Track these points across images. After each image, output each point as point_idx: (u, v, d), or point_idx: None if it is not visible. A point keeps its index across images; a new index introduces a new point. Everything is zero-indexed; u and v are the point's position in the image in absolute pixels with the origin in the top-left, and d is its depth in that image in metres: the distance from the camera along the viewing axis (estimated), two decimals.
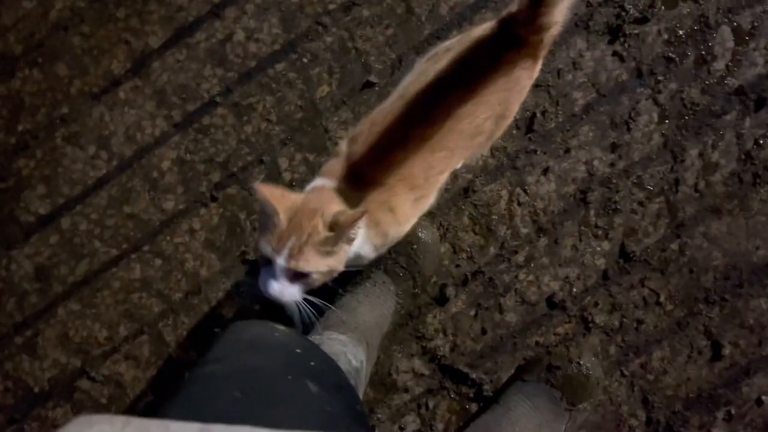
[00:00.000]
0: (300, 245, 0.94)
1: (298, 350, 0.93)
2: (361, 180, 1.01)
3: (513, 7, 0.94)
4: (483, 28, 0.99)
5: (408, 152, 0.99)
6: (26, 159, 1.51)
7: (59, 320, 1.49)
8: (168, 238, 1.47)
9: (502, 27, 0.96)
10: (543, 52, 1.00)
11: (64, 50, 1.51)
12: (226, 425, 0.59)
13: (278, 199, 0.96)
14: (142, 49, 1.49)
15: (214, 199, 1.46)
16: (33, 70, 1.52)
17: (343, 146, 1.05)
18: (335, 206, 0.98)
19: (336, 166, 1.03)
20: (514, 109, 1.04)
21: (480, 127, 1.00)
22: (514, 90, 1.00)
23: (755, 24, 1.38)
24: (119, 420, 0.61)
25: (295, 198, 0.99)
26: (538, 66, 1.02)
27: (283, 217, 0.95)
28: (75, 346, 1.49)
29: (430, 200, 1.14)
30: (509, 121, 1.07)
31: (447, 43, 1.04)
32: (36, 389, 1.49)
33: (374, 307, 1.32)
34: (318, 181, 1.04)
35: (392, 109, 1.00)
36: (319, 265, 0.97)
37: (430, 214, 1.42)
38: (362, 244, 1.04)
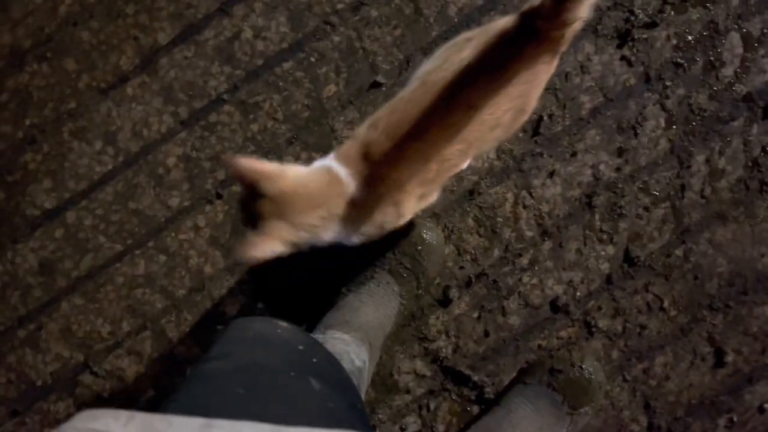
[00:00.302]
0: (257, 231, 0.93)
1: (300, 347, 0.93)
2: (373, 171, 0.99)
3: (535, 1, 0.93)
4: (505, 20, 0.97)
5: (425, 144, 0.98)
6: (33, 153, 1.51)
7: (63, 314, 1.49)
8: (172, 234, 1.48)
9: (523, 20, 0.95)
10: (563, 48, 0.99)
11: (73, 45, 1.52)
12: (228, 421, 0.60)
13: (260, 179, 0.94)
14: (151, 45, 1.50)
15: (219, 196, 1.47)
16: (41, 64, 1.52)
17: (362, 130, 1.03)
18: (310, 217, 0.95)
19: (351, 150, 1.01)
20: (532, 104, 1.03)
21: (500, 119, 0.99)
22: (533, 83, 0.99)
23: (764, 31, 1.37)
24: (123, 414, 0.61)
25: (284, 177, 0.96)
26: (557, 61, 1.01)
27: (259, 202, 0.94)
28: (78, 340, 1.49)
29: (435, 196, 1.13)
30: (527, 116, 1.05)
31: (468, 33, 1.02)
32: (38, 383, 1.50)
33: (378, 307, 1.32)
34: (328, 162, 1.01)
35: (412, 98, 0.98)
36: (272, 252, 0.95)
37: (434, 216, 1.42)
38: (347, 237, 1.03)
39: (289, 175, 0.96)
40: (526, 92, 0.99)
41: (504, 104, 0.97)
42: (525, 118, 1.06)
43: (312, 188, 0.97)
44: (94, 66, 1.51)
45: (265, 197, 0.93)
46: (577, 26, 0.92)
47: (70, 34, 1.52)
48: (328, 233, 1.00)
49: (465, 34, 1.03)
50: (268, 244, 0.92)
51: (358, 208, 0.99)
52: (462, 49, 0.98)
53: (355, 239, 1.06)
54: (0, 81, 1.53)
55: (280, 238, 0.93)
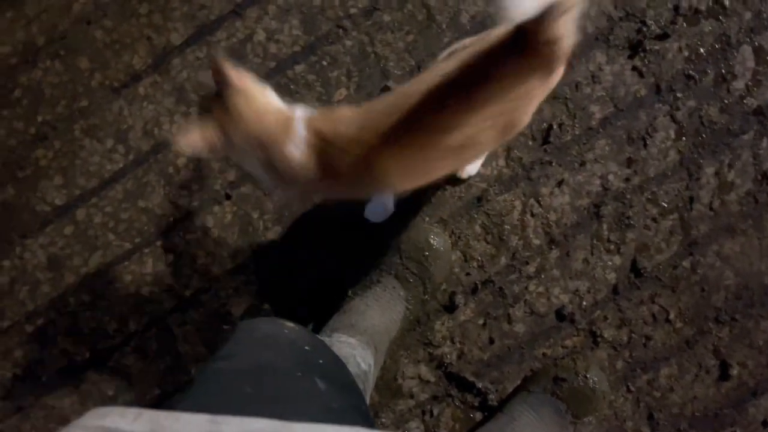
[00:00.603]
0: (198, 123, 0.92)
1: (306, 347, 0.93)
2: (330, 160, 0.96)
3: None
4: (501, 30, 0.92)
5: (386, 160, 0.94)
6: (44, 150, 1.52)
7: (70, 310, 1.50)
8: (181, 234, 1.48)
9: (517, 33, 0.89)
10: (557, 64, 0.93)
11: (86, 43, 1.53)
12: (235, 417, 0.60)
13: (230, 88, 0.93)
14: (164, 45, 1.51)
15: (228, 197, 1.47)
16: (54, 61, 1.53)
17: (347, 114, 0.98)
18: (244, 143, 0.94)
19: (329, 129, 0.96)
20: (525, 119, 0.98)
21: (476, 138, 0.94)
22: (524, 100, 0.94)
23: None
24: (131, 412, 0.62)
25: (250, 99, 0.93)
26: (554, 77, 0.96)
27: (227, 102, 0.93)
28: (84, 337, 1.49)
29: None
30: (519, 129, 1.00)
31: (467, 40, 0.99)
32: (44, 378, 1.50)
33: (384, 311, 1.32)
34: (300, 117, 0.97)
35: (388, 104, 0.95)
36: (197, 149, 0.93)
37: (442, 221, 1.42)
38: (266, 182, 1.03)
39: (257, 99, 0.95)
40: (513, 109, 0.94)
41: (478, 123, 0.93)
42: (517, 131, 1.01)
43: (263, 124, 0.94)
44: (107, 65, 1.52)
45: (224, 104, 0.93)
46: (567, 43, 0.88)
47: (83, 32, 1.53)
48: (249, 167, 1.00)
49: (464, 41, 1.00)
50: (196, 141, 0.91)
51: (292, 174, 0.97)
52: (456, 58, 0.94)
53: (273, 188, 1.04)
54: (13, 77, 1.54)
55: (209, 142, 0.91)
